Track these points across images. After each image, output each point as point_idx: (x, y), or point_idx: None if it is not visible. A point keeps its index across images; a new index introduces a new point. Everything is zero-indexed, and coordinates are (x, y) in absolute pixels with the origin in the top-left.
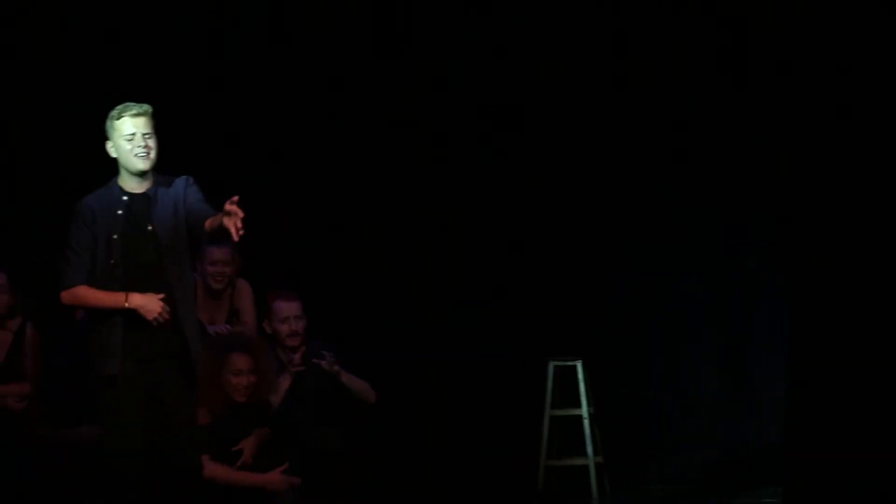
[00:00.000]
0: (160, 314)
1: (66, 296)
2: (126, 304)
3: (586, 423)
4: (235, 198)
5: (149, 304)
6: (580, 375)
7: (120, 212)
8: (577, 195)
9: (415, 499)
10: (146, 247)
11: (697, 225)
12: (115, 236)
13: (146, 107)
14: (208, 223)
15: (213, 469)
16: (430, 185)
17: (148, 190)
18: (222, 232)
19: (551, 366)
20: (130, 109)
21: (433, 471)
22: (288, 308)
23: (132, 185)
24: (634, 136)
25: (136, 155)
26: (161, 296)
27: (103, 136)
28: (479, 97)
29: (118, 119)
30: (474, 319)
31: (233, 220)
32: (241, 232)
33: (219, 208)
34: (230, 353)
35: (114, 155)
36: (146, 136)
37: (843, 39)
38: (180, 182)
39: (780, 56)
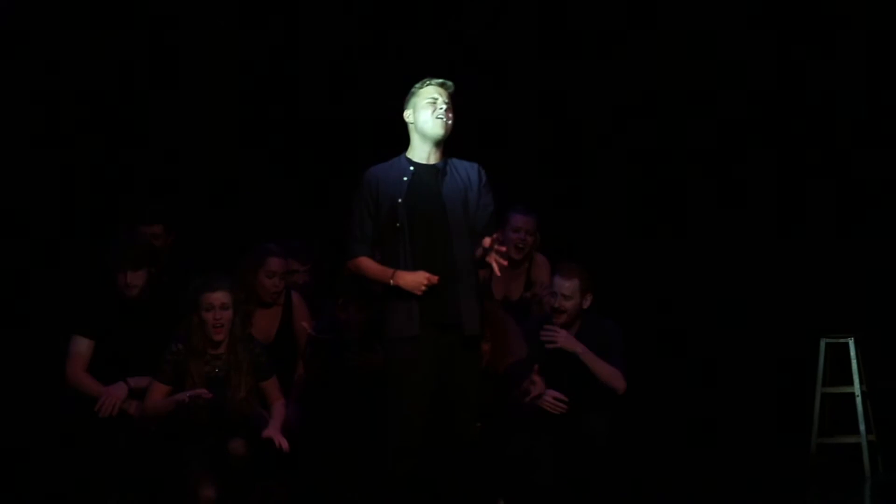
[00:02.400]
0: (425, 287)
1: (351, 266)
2: (392, 282)
3: (858, 400)
4: (495, 236)
5: (412, 283)
6: (852, 352)
7: (405, 178)
8: (850, 179)
9: (684, 476)
10: (432, 213)
11: None
12: (399, 200)
13: (450, 83)
14: (479, 252)
15: None
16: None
17: (437, 163)
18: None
19: (823, 343)
20: (436, 80)
21: (703, 447)
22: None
23: (421, 156)
24: None
25: (436, 117)
26: (434, 279)
27: (401, 108)
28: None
29: (422, 87)
30: (748, 297)
31: (493, 257)
32: (502, 263)
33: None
34: None
35: (410, 121)
36: (447, 104)
37: None
38: (473, 170)
39: None
